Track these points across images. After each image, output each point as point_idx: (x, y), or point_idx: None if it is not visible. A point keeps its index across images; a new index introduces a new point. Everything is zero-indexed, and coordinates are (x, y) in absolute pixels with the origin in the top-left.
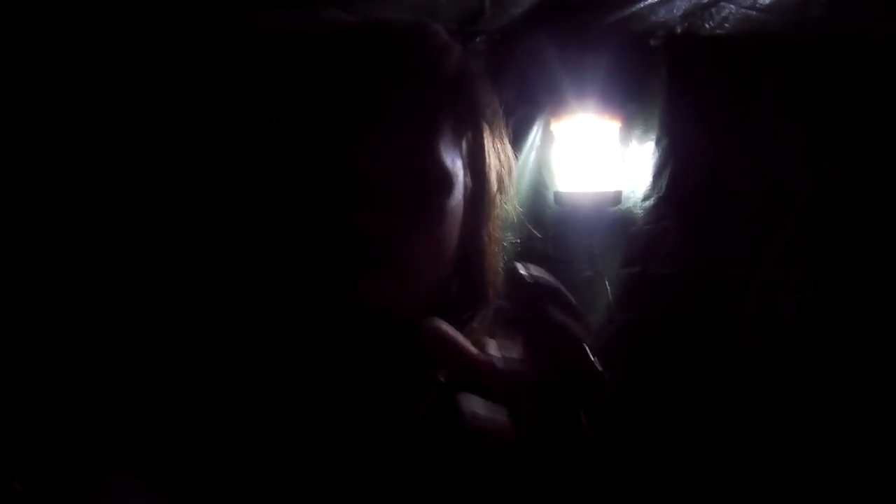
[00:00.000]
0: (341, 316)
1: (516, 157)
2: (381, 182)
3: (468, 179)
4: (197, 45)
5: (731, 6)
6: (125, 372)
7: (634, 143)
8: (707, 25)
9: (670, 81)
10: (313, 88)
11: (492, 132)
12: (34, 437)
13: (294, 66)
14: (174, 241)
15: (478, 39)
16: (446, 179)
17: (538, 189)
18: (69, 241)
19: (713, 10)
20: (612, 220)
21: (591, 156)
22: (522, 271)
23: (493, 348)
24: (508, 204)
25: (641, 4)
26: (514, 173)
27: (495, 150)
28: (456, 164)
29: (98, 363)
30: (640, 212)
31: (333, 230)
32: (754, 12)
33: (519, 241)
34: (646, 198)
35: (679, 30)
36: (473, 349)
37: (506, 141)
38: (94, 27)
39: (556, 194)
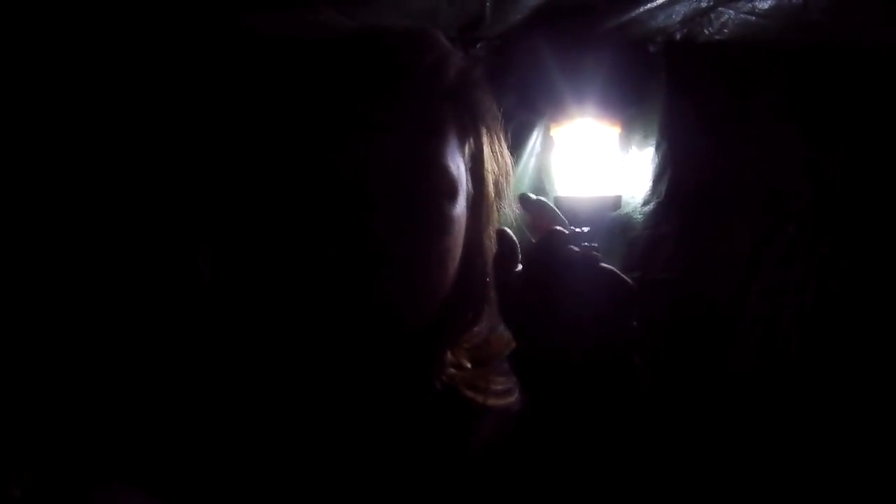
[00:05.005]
0: (353, 317)
1: (516, 162)
2: (389, 186)
3: (470, 185)
4: (197, 51)
5: (730, 11)
6: (124, 378)
7: (634, 149)
8: (706, 31)
9: (669, 86)
10: (316, 94)
11: (491, 138)
12: (32, 443)
13: (296, 72)
14: (174, 246)
15: (478, 45)
16: (452, 185)
17: (538, 194)
18: (67, 245)
19: (712, 15)
20: (612, 225)
21: (591, 161)
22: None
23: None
24: (507, 209)
25: (640, 10)
26: (512, 178)
27: (494, 156)
28: (460, 170)
29: (96, 369)
30: (639, 217)
31: (345, 231)
32: (753, 17)
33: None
34: (645, 203)
35: (678, 35)
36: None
37: (504, 146)
38: (93, 31)
39: (556, 199)
